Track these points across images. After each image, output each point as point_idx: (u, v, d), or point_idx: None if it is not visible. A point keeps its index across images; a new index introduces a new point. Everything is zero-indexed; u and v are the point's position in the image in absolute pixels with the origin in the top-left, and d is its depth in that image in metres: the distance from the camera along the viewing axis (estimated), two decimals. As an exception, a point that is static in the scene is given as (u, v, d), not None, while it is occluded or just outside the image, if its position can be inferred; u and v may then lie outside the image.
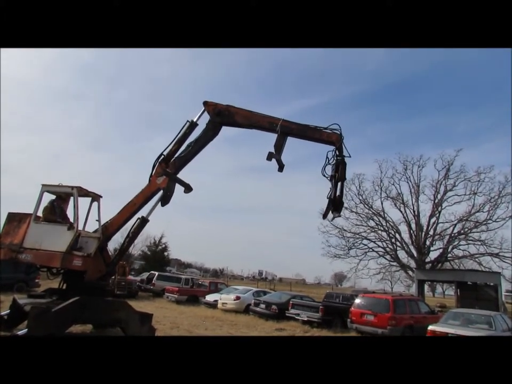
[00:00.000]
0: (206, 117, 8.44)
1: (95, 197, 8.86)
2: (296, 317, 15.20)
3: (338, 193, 7.38)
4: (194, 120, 8.40)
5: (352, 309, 13.66)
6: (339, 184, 7.42)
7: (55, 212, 8.49)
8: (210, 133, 8.35)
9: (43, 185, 8.50)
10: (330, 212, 7.47)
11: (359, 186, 31.90)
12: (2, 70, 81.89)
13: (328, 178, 7.53)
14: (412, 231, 30.35)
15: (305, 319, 14.77)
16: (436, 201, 29.97)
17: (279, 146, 7.75)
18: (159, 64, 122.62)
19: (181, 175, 8.46)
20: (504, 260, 26.95)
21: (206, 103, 8.40)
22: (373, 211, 31.61)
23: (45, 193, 8.54)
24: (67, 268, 8.00)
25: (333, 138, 7.62)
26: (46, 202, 8.59)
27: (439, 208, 29.79)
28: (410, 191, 31.00)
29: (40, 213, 8.41)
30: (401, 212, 31.06)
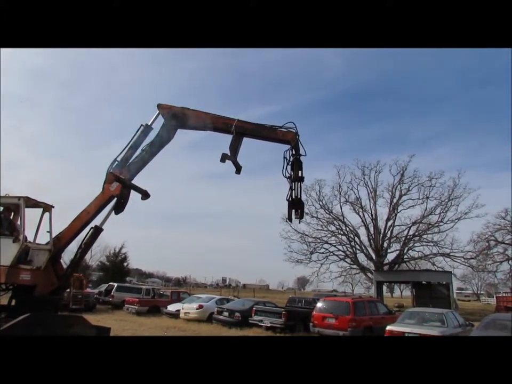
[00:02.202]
0: (161, 120, 8.23)
1: (46, 207, 8.39)
2: (259, 324, 15.16)
3: (296, 194, 7.21)
4: (149, 123, 8.18)
5: (314, 312, 13.80)
6: (297, 184, 7.24)
7: (2, 224, 8.00)
8: (166, 136, 8.13)
9: None
10: (293, 214, 7.31)
11: (319, 192, 32.68)
12: None
13: (288, 179, 7.35)
14: (370, 234, 31.36)
15: (269, 325, 14.77)
16: (392, 205, 31.19)
17: (235, 147, 7.57)
18: (116, 69, 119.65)
19: (138, 182, 8.22)
20: (454, 260, 28.49)
21: (160, 106, 8.17)
22: (333, 216, 32.43)
23: None
24: (13, 283, 7.55)
25: (288, 137, 7.44)
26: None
27: (395, 212, 31.03)
28: (368, 195, 32.14)
29: None
30: (359, 216, 32.10)
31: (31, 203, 8.15)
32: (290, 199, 7.17)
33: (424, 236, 30.14)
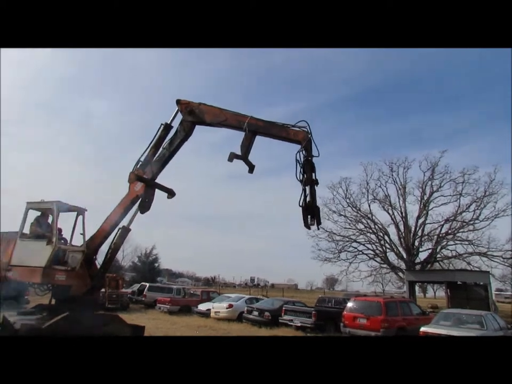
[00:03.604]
0: (181, 117, 8.16)
1: (80, 211, 8.73)
2: (289, 323, 15.20)
3: (309, 198, 6.68)
4: (169, 122, 8.21)
5: (345, 312, 13.69)
6: (308, 188, 6.71)
7: (41, 228, 8.39)
8: (183, 133, 8.02)
9: (27, 202, 8.50)
10: (309, 220, 6.73)
11: (346, 190, 32.11)
12: None
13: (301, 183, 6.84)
14: (400, 233, 30.65)
15: (299, 324, 14.79)
16: (423, 202, 30.36)
17: (246, 145, 7.23)
18: (144, 73, 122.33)
19: (167, 183, 8.32)
20: (492, 259, 27.37)
21: (179, 102, 8.11)
22: (361, 214, 31.84)
23: (31, 210, 8.50)
24: (49, 283, 7.92)
25: (299, 137, 6.98)
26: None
27: (426, 209, 30.17)
28: (398, 192, 31.35)
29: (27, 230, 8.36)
30: (389, 213, 31.36)
31: (64, 207, 8.47)
32: (303, 204, 6.64)
33: (458, 234, 29.11)
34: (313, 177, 6.74)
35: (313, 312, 14.92)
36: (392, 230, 31.25)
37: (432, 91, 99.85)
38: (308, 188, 6.69)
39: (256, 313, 16.80)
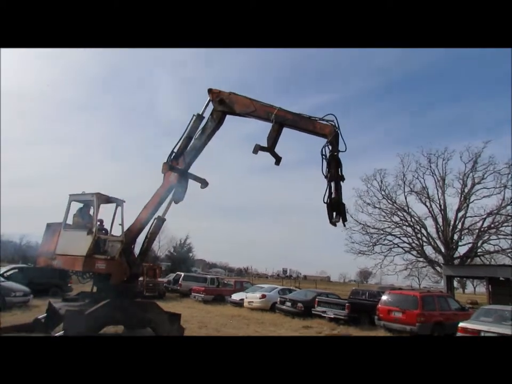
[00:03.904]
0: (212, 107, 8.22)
1: (118, 202, 9.09)
2: (323, 315, 15.21)
3: (334, 195, 6.40)
4: (200, 112, 8.29)
5: (379, 305, 13.53)
6: (333, 184, 6.45)
7: (82, 219, 8.81)
8: (214, 122, 8.05)
9: (70, 195, 8.94)
10: (335, 216, 6.43)
11: (381, 182, 31.34)
12: (12, 85, 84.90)
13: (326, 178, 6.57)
14: (438, 226, 29.65)
15: (332, 316, 14.76)
16: (464, 194, 29.16)
17: (273, 137, 7.10)
18: (171, 69, 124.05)
19: (201, 174, 8.52)
20: (539, 256, 25.98)
21: (210, 91, 8.12)
22: (397, 206, 31.02)
23: (73, 202, 8.96)
24: (90, 271, 8.30)
25: (325, 131, 6.70)
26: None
27: (467, 202, 28.96)
28: (436, 184, 30.23)
29: (71, 221, 8.83)
30: (426, 206, 30.34)
31: (104, 199, 8.87)
32: (328, 201, 6.37)
33: (502, 228, 27.77)
34: (339, 173, 6.49)
35: (347, 304, 14.83)
36: (429, 223, 30.29)
37: (473, 78, 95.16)
38: (333, 184, 6.46)
39: (289, 304, 16.90)
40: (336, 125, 6.66)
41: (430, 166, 30.16)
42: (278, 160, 7.16)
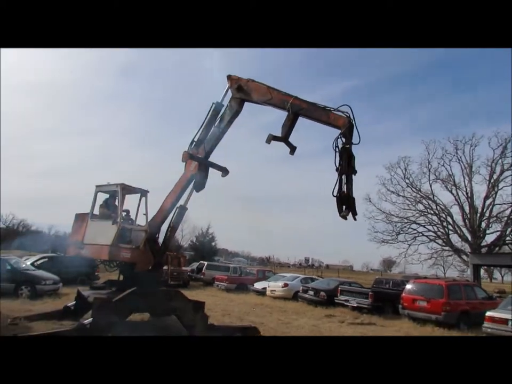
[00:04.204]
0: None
1: (142, 192, 9.21)
2: (346, 303, 15.18)
3: (343, 189, 6.12)
4: (219, 100, 8.27)
5: (404, 294, 13.40)
6: (344, 177, 6.16)
7: (108, 209, 9.02)
8: (233, 110, 7.98)
9: (96, 185, 9.12)
10: (345, 210, 6.15)
11: (405, 170, 30.71)
12: (45, 75, 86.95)
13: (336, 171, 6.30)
14: (465, 214, 28.90)
15: (355, 305, 14.72)
16: (492, 181, 28.26)
17: (287, 126, 6.94)
18: (199, 58, 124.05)
19: (223, 163, 8.54)
20: None
21: (229, 77, 8.06)
22: (421, 194, 30.39)
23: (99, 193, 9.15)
24: (115, 260, 8.50)
25: (339, 122, 6.42)
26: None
27: (496, 189, 28.08)
28: (462, 172, 29.41)
29: (97, 212, 9.05)
30: (452, 194, 29.60)
31: (128, 189, 9.02)
32: (337, 194, 6.09)
33: (532, 216, 26.92)
34: (351, 166, 6.21)
35: (370, 293, 14.76)
36: (455, 211, 29.58)
37: (503, 60, 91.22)
38: (344, 178, 6.17)
39: (311, 292, 16.95)
40: (351, 117, 6.39)
41: (457, 153, 29.35)
42: (292, 149, 7.06)
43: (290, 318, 12.59)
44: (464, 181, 29.38)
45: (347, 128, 6.28)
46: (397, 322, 12.63)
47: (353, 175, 6.28)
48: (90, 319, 7.21)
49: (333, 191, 6.10)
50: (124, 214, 9.39)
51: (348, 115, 6.42)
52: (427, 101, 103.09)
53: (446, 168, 29.87)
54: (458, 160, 29.40)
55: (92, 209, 8.93)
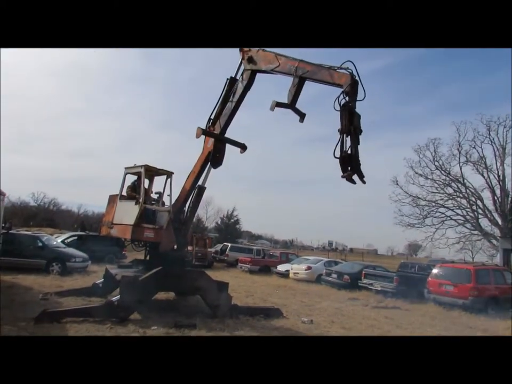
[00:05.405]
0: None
1: (167, 174, 9.32)
2: (369, 287, 15.09)
3: (345, 148, 5.62)
4: (233, 75, 8.21)
5: (430, 279, 13.22)
6: (345, 136, 5.65)
7: (135, 191, 9.21)
8: (244, 82, 7.92)
9: (125, 168, 9.30)
10: (350, 172, 5.64)
11: (434, 152, 29.74)
12: (71, 59, 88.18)
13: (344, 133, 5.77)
14: (496, 197, 27.91)
15: (379, 288, 14.61)
16: (526, 164, 27.05)
17: (293, 91, 6.64)
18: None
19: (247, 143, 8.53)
20: None
21: (241, 49, 7.94)
22: (451, 177, 29.44)
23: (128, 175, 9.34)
24: (138, 240, 8.71)
25: (341, 81, 6.01)
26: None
27: (530, 172, 26.90)
28: (495, 154, 28.21)
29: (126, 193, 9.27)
30: (483, 177, 28.50)
31: (153, 170, 9.17)
32: (340, 155, 5.59)
33: None
34: (354, 125, 5.74)
35: (395, 277, 14.59)
36: (485, 195, 28.55)
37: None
38: (348, 138, 5.68)
39: (335, 275, 16.92)
40: (353, 73, 5.98)
41: (490, 134, 28.05)
42: (301, 116, 6.90)
43: (313, 300, 12.64)
44: (496, 164, 28.23)
45: (349, 85, 5.89)
46: (422, 306, 12.47)
47: (359, 135, 5.85)
48: (118, 296, 7.44)
49: (334, 152, 5.60)
50: (156, 196, 9.58)
51: (350, 71, 6.04)
52: (459, 81, 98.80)
53: (477, 150, 28.73)
54: (491, 141, 28.15)
55: (120, 190, 9.16)
